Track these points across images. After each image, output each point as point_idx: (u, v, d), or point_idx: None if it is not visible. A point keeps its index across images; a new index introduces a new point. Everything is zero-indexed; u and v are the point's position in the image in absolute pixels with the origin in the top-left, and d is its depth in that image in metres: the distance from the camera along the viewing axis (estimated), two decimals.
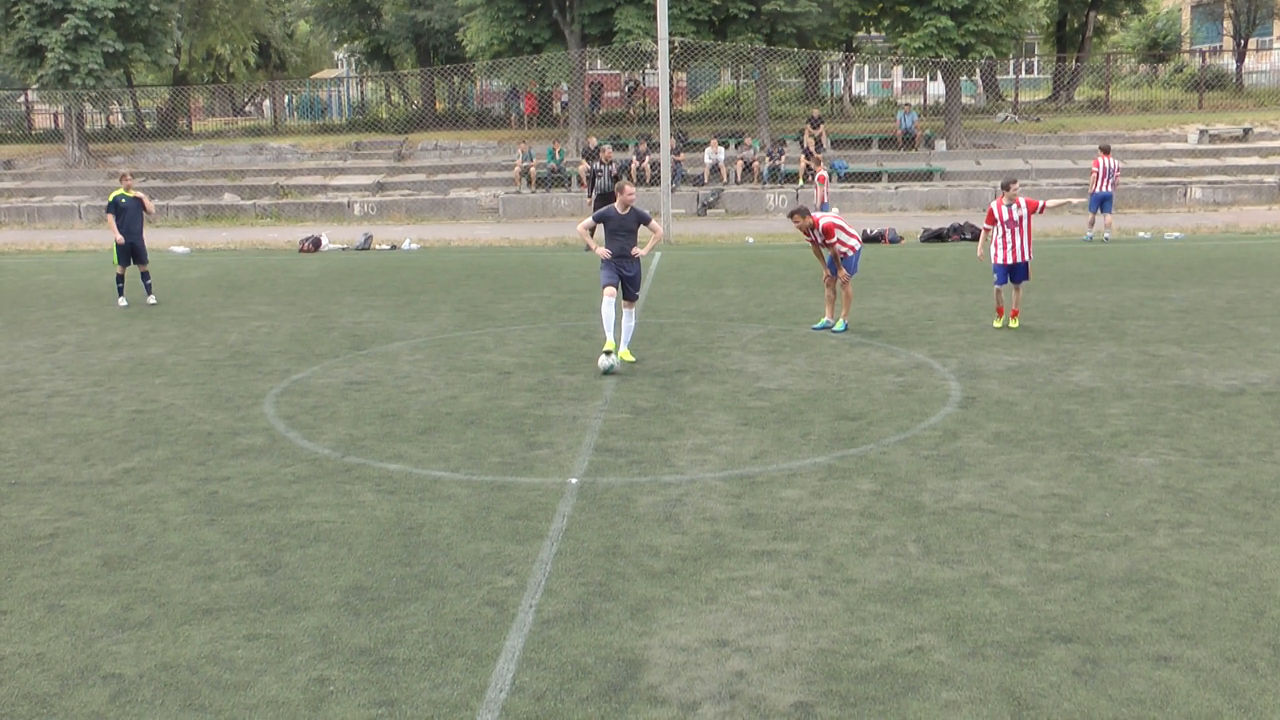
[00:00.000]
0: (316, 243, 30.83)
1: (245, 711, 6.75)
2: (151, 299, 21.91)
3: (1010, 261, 17.43)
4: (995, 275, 17.72)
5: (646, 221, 15.16)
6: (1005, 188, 17.59)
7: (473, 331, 17.90)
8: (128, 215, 21.86)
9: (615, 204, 15.23)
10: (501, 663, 7.18)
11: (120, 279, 22.05)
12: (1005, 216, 17.37)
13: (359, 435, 12.43)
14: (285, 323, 19.39)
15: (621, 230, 15.07)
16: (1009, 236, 17.35)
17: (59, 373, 16.14)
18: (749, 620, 7.65)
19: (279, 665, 7.28)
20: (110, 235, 22.05)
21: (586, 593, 8.17)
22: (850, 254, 17.06)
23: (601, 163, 28.80)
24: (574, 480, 10.67)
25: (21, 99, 60.32)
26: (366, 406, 13.65)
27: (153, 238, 32.94)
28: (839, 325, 17.05)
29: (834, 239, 16.88)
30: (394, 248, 30.22)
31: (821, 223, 16.91)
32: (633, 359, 15.37)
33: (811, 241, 17.15)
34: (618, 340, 15.08)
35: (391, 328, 18.53)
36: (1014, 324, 17.35)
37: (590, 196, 28.31)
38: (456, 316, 19.26)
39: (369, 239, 31.11)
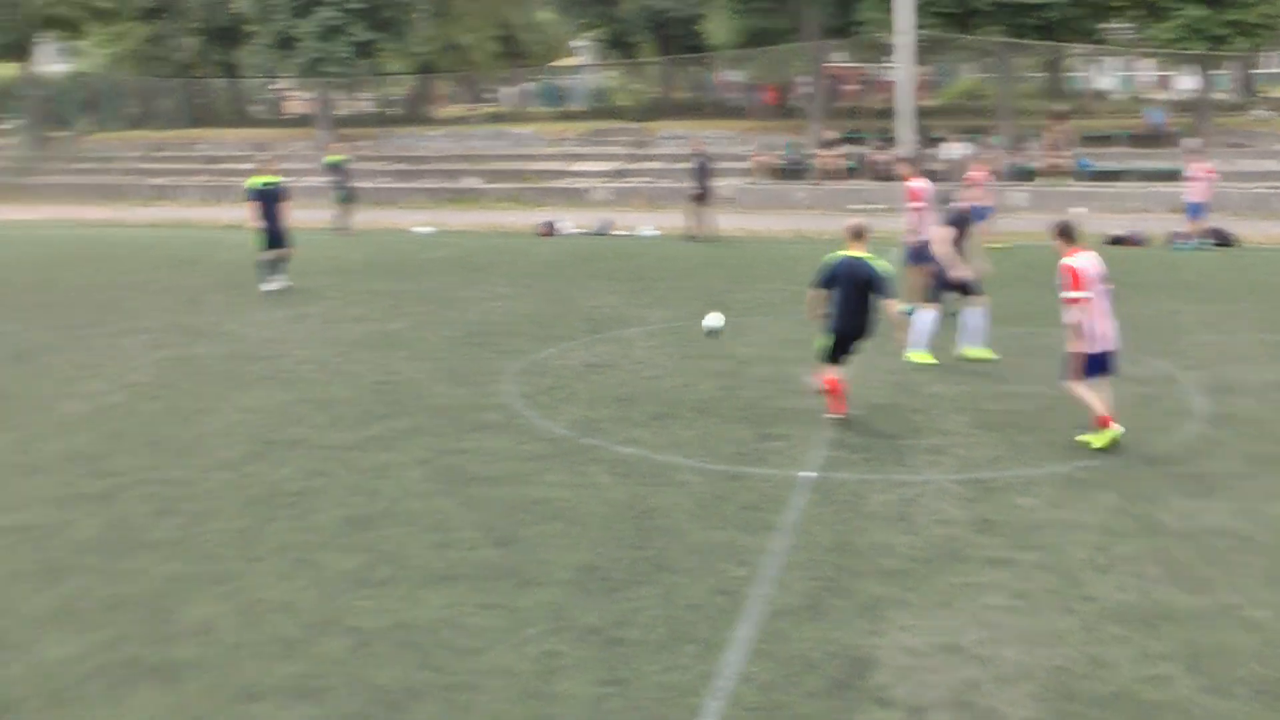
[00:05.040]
0: (554, 227, 31.29)
1: (477, 676, 6.93)
2: (278, 283, 21.77)
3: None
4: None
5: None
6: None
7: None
8: (269, 201, 21.80)
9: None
10: (731, 651, 7.20)
11: (266, 264, 21.93)
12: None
13: (595, 417, 12.59)
14: (524, 304, 19.74)
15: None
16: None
17: (307, 342, 16.77)
18: (982, 628, 7.51)
19: (511, 636, 7.44)
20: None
21: (817, 588, 8.13)
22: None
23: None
24: (807, 474, 10.62)
25: (275, 86, 62.79)
26: (603, 389, 13.82)
27: (397, 218, 34.05)
28: None
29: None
30: (631, 234, 30.48)
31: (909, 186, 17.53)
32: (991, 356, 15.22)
33: None
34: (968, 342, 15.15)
35: (628, 313, 18.71)
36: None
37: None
38: (692, 305, 19.30)
39: (607, 225, 31.44)
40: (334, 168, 31.74)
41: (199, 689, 6.86)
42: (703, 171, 29.10)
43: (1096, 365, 11.37)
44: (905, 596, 7.98)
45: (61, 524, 9.72)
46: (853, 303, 11.94)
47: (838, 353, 12.13)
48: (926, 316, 14.98)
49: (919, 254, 16.76)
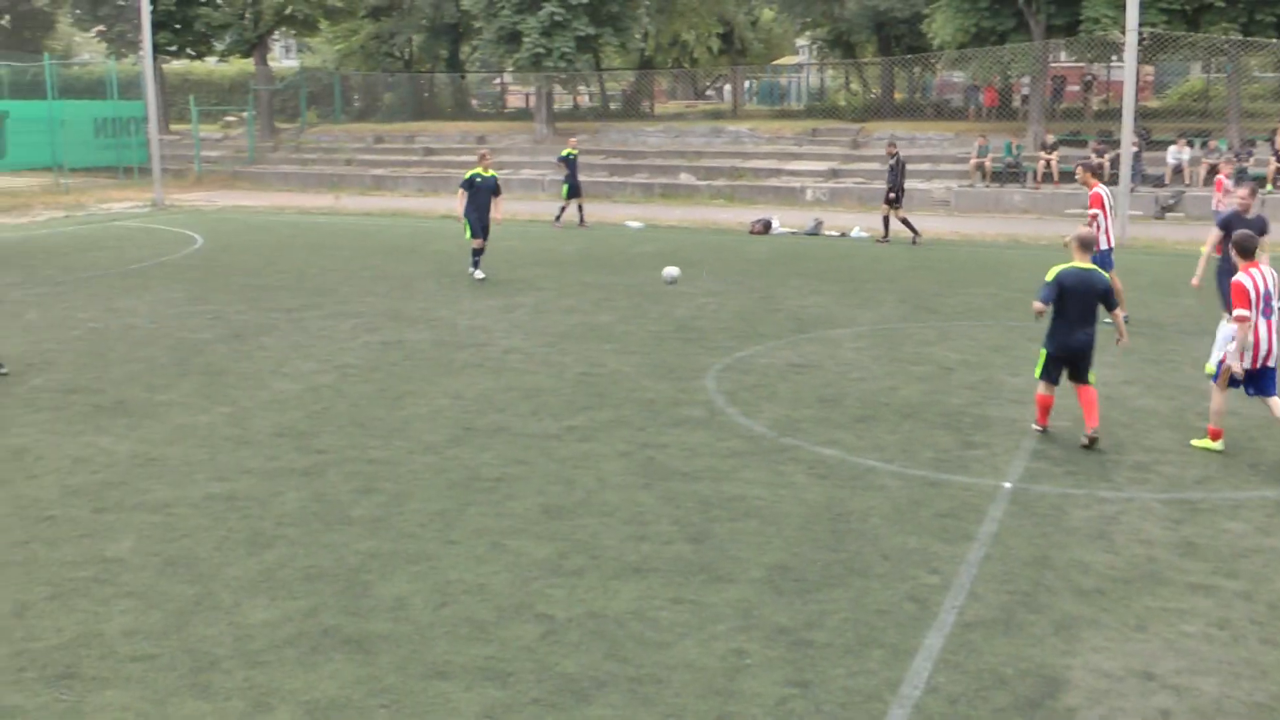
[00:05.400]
0: (767, 225, 31.25)
1: (664, 670, 6.98)
2: (478, 273, 22.20)
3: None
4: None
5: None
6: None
7: (916, 324, 17.76)
8: (481, 193, 22.09)
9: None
10: (919, 660, 7.12)
11: (475, 253, 22.40)
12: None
13: (796, 417, 12.57)
14: (732, 301, 19.78)
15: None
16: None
17: (515, 331, 17.06)
18: (1180, 657, 7.26)
19: (700, 631, 7.48)
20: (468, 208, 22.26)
21: (1011, 601, 7.99)
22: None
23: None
24: (1007, 484, 10.44)
25: (498, 81, 64.15)
26: (805, 389, 13.78)
27: (608, 212, 34.41)
28: None
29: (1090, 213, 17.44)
30: (843, 235, 30.27)
31: (1091, 192, 17.61)
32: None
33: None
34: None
35: (835, 314, 18.61)
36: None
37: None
38: (901, 308, 19.13)
39: (819, 224, 31.29)
40: (566, 161, 32.20)
41: (390, 663, 7.06)
42: (897, 172, 28.75)
43: (1250, 381, 11.22)
44: (1100, 617, 7.77)
45: (268, 496, 10.10)
46: (1080, 316, 11.53)
47: (1058, 369, 11.71)
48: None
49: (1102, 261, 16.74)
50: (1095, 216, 17.43)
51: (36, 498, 10.13)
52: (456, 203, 22.59)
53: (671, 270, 18.52)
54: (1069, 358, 11.63)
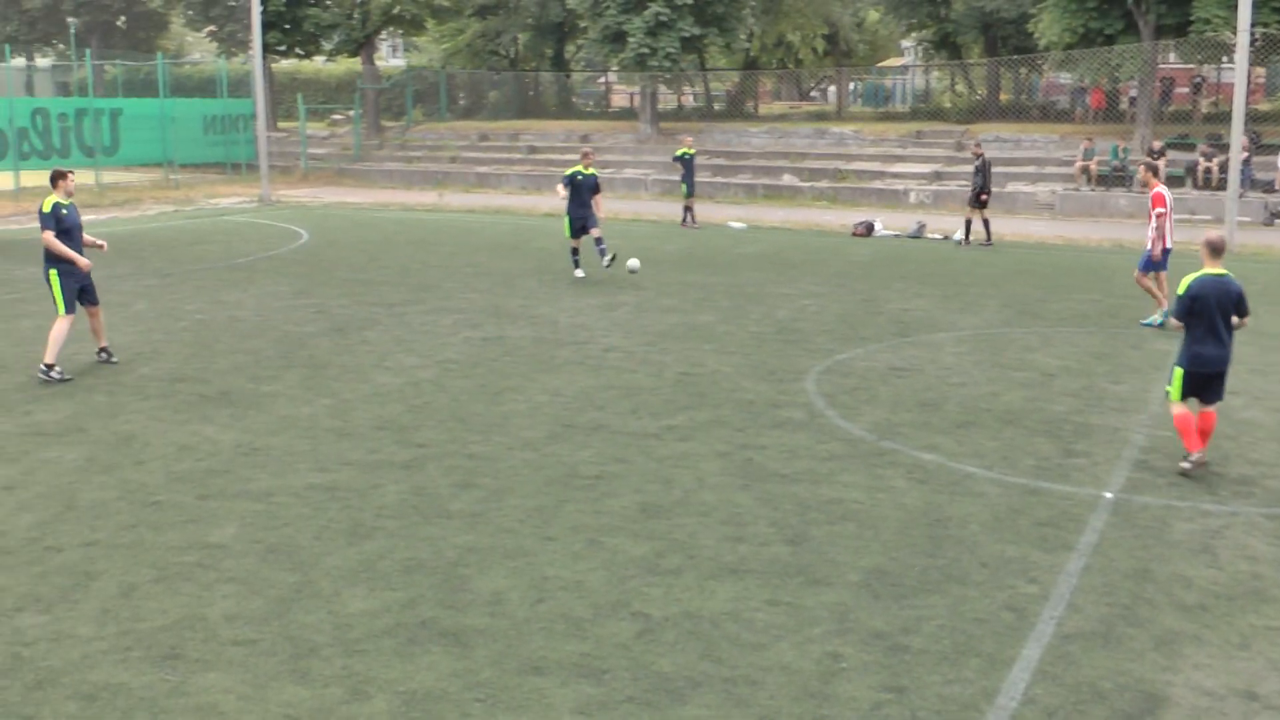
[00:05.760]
0: (870, 227, 31.06)
1: (759, 672, 6.97)
2: (605, 261, 22.06)
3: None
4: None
5: None
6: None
7: (1019, 329, 17.55)
8: (582, 191, 21.96)
9: None
10: (1016, 670, 7.04)
11: (574, 251, 22.39)
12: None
13: (896, 421, 12.48)
14: (833, 303, 19.69)
15: None
16: None
17: (615, 330, 17.11)
18: None
19: (796, 634, 7.45)
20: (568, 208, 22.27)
21: (1111, 614, 7.86)
22: (1147, 248, 17.82)
23: None
24: (1109, 495, 10.28)
25: (602, 80, 64.42)
26: (906, 393, 13.68)
27: (711, 212, 34.46)
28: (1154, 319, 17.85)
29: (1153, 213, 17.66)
30: (946, 238, 30.02)
31: (1152, 192, 17.87)
32: None
33: None
34: None
35: (937, 318, 18.46)
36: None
37: None
38: (1003, 312, 18.92)
39: (922, 227, 31.04)
40: (682, 160, 32.25)
41: (486, 656, 7.11)
42: (983, 173, 28.46)
43: None
44: (1202, 633, 7.61)
45: (368, 488, 10.23)
46: (1217, 327, 10.82)
47: (1198, 386, 10.97)
48: None
49: (1151, 263, 17.84)
50: (1160, 216, 17.59)
51: (144, 483, 10.34)
52: (558, 195, 22.65)
53: (634, 262, 22.19)
54: (1205, 374, 10.87)
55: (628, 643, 7.32)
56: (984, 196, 28.34)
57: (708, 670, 6.99)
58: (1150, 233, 17.71)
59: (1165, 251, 17.69)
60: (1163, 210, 17.57)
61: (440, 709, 6.53)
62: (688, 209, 32.44)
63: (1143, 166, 18.48)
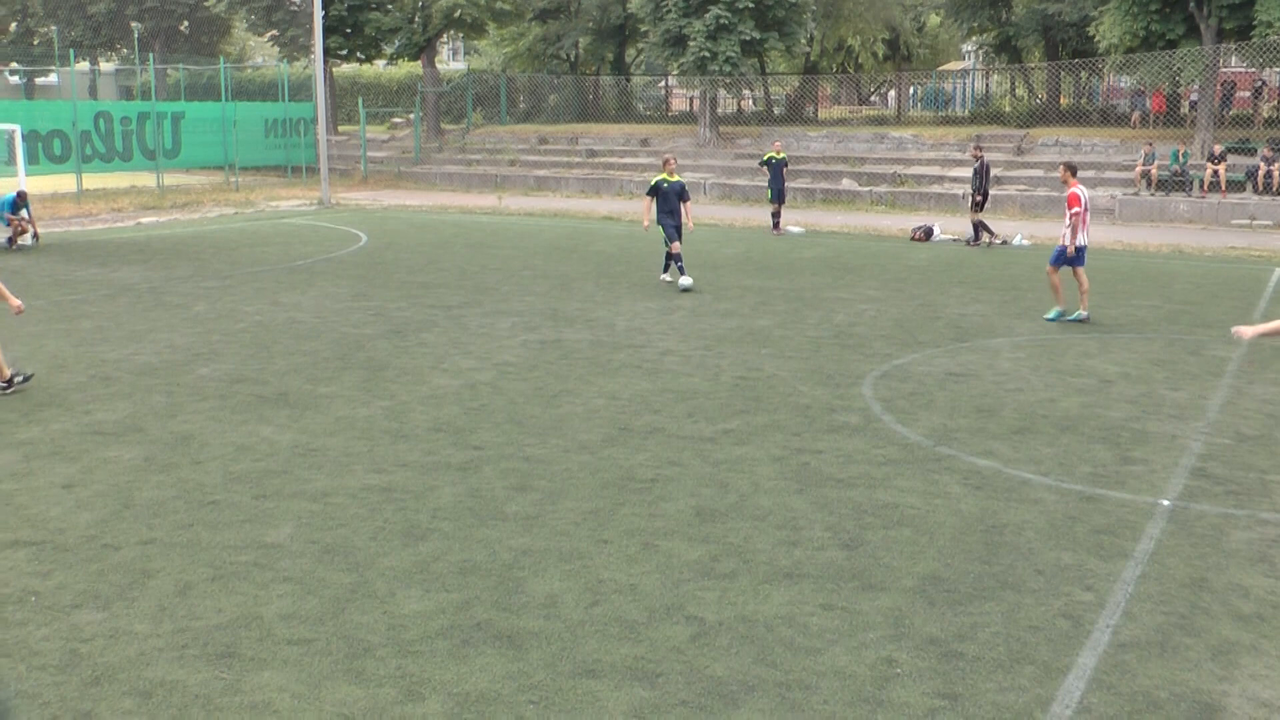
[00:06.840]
0: (929, 232, 30.93)
1: (813, 676, 6.95)
2: (686, 279, 21.45)
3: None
4: None
5: None
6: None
7: (1077, 335, 17.42)
8: (669, 198, 21.75)
9: None
10: (1071, 679, 6.99)
11: (677, 258, 21.74)
12: None
13: (952, 426, 12.42)
14: (891, 308, 19.63)
15: None
16: None
17: (672, 334, 17.12)
18: None
19: (850, 639, 7.43)
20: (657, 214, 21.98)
21: (1167, 623, 7.79)
22: (1060, 244, 18.73)
23: None
24: (1166, 502, 10.18)
25: (662, 84, 64.50)
26: (963, 399, 13.61)
27: (768, 216, 34.37)
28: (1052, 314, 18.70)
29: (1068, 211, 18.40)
30: (1004, 243, 29.83)
31: (1068, 192, 18.46)
32: None
33: None
34: None
35: (995, 323, 18.35)
36: None
37: None
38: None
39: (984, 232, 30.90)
40: (768, 164, 32.18)
41: (540, 659, 7.14)
42: (983, 175, 28.35)
43: None
44: (1260, 644, 7.52)
45: (424, 489, 10.28)
46: None
47: None
48: None
49: (1064, 258, 18.72)
50: (1075, 215, 18.35)
51: (201, 482, 10.45)
52: (644, 210, 22.48)
53: (687, 280, 21.24)
54: None
55: (681, 646, 7.32)
56: (979, 198, 28.45)
57: (761, 674, 6.99)
58: (1065, 229, 18.52)
59: (1080, 248, 18.52)
60: (1078, 209, 18.32)
61: (493, 711, 6.56)
62: (777, 213, 32.21)
63: (1063, 167, 19.11)
